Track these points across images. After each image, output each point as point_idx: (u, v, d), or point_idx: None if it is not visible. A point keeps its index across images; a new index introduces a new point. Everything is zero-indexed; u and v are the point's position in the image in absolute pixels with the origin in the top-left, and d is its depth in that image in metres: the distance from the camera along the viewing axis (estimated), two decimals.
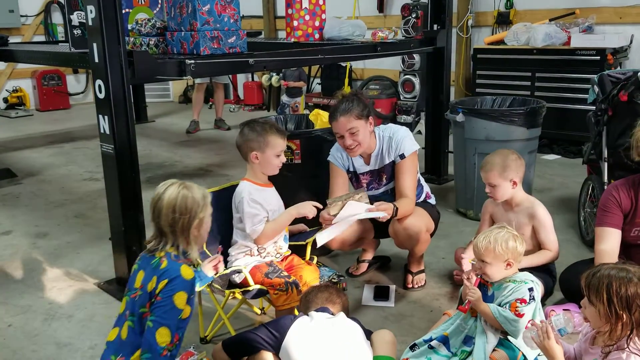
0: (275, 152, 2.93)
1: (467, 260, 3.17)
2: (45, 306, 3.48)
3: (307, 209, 3.03)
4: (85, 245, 4.37)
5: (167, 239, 2.26)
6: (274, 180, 3.09)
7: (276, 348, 2.36)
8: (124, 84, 3.31)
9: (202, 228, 2.33)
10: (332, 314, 2.50)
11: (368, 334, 2.51)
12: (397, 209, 3.19)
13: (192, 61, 3.58)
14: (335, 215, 3.11)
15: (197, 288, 2.70)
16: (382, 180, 3.48)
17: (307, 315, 2.50)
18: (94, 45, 3.29)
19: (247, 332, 2.45)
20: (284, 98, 8.93)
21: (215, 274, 2.71)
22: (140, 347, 2.16)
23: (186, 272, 2.19)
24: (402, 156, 3.35)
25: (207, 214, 2.33)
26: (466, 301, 2.70)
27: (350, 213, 3.11)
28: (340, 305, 2.56)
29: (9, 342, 3.12)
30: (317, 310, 2.51)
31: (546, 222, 3.19)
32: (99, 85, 3.32)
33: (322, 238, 3.08)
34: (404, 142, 3.38)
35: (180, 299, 2.14)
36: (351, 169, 3.51)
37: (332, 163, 3.50)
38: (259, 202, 2.92)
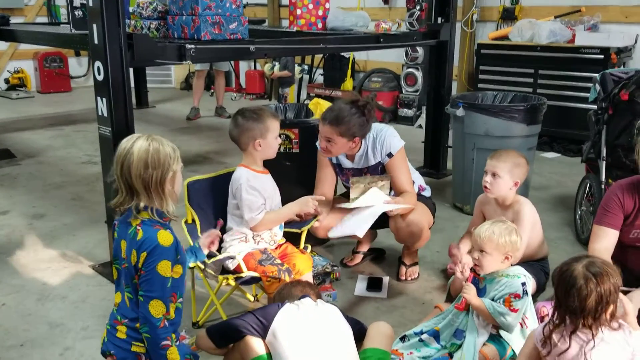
0: (274, 135, 2.94)
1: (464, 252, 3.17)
2: (39, 286, 3.49)
3: (309, 207, 3.04)
4: (81, 228, 4.37)
5: (139, 197, 2.09)
6: (272, 169, 3.08)
7: (263, 334, 2.36)
8: (123, 67, 3.29)
9: (176, 182, 2.17)
10: (314, 301, 2.51)
11: (353, 321, 2.51)
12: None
13: (193, 46, 3.56)
14: (354, 200, 3.19)
15: (191, 264, 2.68)
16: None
17: (292, 303, 2.50)
18: (94, 26, 3.27)
19: (233, 318, 2.43)
20: (281, 89, 8.97)
21: (208, 254, 2.72)
22: None
23: (164, 238, 2.07)
24: (390, 155, 3.35)
25: (180, 168, 2.18)
26: (461, 299, 2.70)
27: (369, 202, 3.15)
28: (315, 295, 2.56)
29: (2, 321, 3.12)
30: (300, 298, 2.52)
31: (524, 221, 3.11)
32: (98, 67, 3.31)
33: (335, 231, 3.18)
34: (389, 141, 3.36)
35: (163, 268, 2.05)
36: (334, 161, 3.51)
37: (319, 151, 3.50)
38: (256, 189, 2.91)
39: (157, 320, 2.06)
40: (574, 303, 2.02)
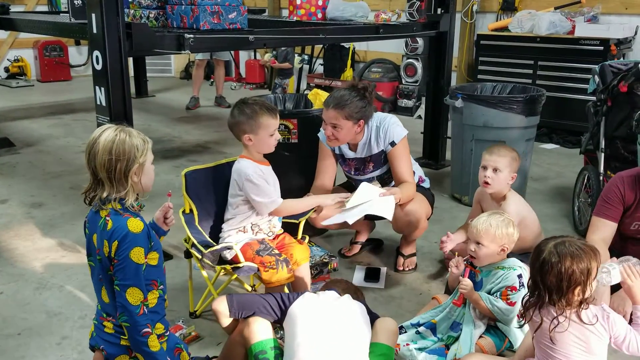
0: (268, 133, 2.88)
1: (452, 247, 3.16)
2: (37, 275, 3.50)
3: (329, 201, 3.09)
4: (80, 217, 4.37)
5: (104, 187, 2.08)
6: (270, 159, 3.07)
7: (280, 317, 2.43)
8: (121, 56, 3.30)
9: (144, 175, 2.13)
10: (339, 295, 2.52)
11: (374, 318, 2.52)
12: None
13: (191, 36, 3.56)
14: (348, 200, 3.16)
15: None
16: (367, 168, 3.49)
17: (314, 292, 2.54)
18: (93, 16, 3.28)
19: (255, 295, 2.49)
20: (277, 79, 8.90)
21: (206, 244, 2.73)
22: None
23: (134, 225, 2.05)
24: (392, 144, 3.35)
25: (149, 160, 2.15)
26: (458, 294, 2.71)
27: (363, 198, 3.13)
28: (348, 293, 2.56)
29: (0, 309, 3.13)
30: (324, 290, 2.57)
31: (510, 214, 3.04)
32: (97, 57, 3.32)
33: (330, 220, 3.14)
34: (392, 129, 3.37)
35: (136, 255, 2.05)
36: (337, 152, 3.51)
37: (321, 141, 3.50)
38: (264, 179, 2.91)
39: (136, 308, 2.05)
40: (537, 277, 2.09)
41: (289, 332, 2.37)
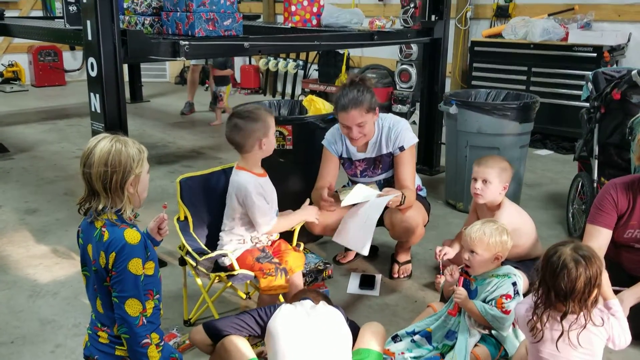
0: (274, 131, 2.95)
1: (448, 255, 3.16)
2: (31, 283, 3.48)
3: (313, 216, 3.11)
4: (74, 223, 4.31)
5: (100, 198, 2.04)
6: (265, 166, 3.06)
7: (261, 334, 2.40)
8: (116, 63, 3.30)
9: (139, 186, 2.10)
10: (314, 304, 2.52)
11: (351, 324, 2.52)
12: (404, 197, 3.21)
13: (186, 42, 3.57)
14: (344, 196, 3.18)
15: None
16: (377, 169, 3.49)
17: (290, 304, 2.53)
18: (88, 22, 3.28)
19: (231, 317, 2.45)
20: (216, 88, 8.65)
21: (200, 252, 2.74)
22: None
23: (131, 236, 2.03)
24: (401, 148, 3.36)
25: (144, 171, 2.12)
26: (453, 303, 2.71)
27: (360, 197, 3.15)
28: (322, 300, 2.57)
29: None
30: (299, 300, 2.55)
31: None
32: (92, 63, 3.32)
33: (340, 239, 3.20)
34: (404, 134, 3.38)
35: (135, 266, 2.02)
36: (344, 155, 3.51)
37: (326, 148, 3.50)
38: (262, 195, 2.90)
39: (135, 319, 2.04)
40: (563, 286, 2.02)
41: (271, 348, 2.35)
